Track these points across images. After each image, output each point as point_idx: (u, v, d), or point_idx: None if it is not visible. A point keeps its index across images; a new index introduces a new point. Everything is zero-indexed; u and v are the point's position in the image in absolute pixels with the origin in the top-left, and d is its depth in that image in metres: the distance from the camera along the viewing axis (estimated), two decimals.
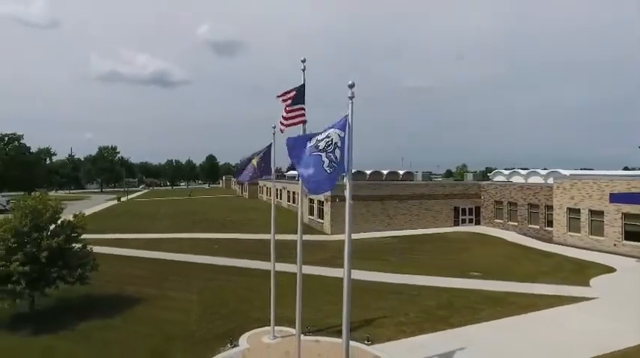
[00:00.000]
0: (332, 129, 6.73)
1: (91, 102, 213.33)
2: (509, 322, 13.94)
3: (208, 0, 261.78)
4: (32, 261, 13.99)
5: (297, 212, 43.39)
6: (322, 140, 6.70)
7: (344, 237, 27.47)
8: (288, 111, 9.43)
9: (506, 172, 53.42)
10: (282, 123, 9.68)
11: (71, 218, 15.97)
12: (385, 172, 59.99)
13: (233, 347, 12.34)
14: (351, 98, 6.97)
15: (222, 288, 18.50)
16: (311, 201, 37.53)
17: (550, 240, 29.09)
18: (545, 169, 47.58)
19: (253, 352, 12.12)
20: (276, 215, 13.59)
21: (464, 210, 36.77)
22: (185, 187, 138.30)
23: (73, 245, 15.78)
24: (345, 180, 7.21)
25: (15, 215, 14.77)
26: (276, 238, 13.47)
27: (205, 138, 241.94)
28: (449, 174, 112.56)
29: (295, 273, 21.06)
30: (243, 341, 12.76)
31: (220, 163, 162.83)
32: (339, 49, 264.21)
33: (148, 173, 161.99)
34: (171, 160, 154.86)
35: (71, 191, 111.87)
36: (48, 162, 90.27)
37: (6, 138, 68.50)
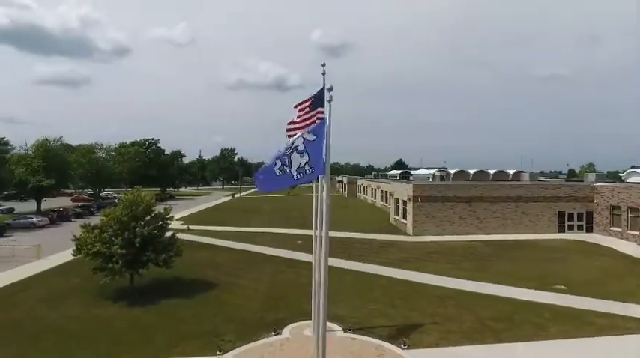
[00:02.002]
0: (300, 134, 7.03)
1: (219, 108, 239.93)
2: (574, 343, 12.31)
3: (321, 6, 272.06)
4: (129, 246, 16.93)
5: (389, 211, 42.47)
6: (287, 146, 7.04)
7: (426, 238, 27.67)
8: (303, 117, 9.87)
9: None
10: (293, 129, 10.11)
11: (162, 210, 18.86)
12: (492, 172, 55.58)
13: (276, 335, 13.36)
14: (329, 101, 7.23)
15: (289, 281, 19.72)
16: (397, 201, 37.00)
17: None
18: None
19: (291, 341, 12.94)
20: (317, 211, 14.10)
21: (571, 215, 32.26)
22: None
23: (166, 233, 18.60)
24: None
25: (119, 207, 18.06)
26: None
27: None
28: (572, 174, 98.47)
29: (361, 272, 21.51)
30: (287, 331, 13.66)
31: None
32: (455, 41, 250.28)
33: None
34: None
35: (199, 188, 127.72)
36: (180, 162, 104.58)
37: (147, 143, 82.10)
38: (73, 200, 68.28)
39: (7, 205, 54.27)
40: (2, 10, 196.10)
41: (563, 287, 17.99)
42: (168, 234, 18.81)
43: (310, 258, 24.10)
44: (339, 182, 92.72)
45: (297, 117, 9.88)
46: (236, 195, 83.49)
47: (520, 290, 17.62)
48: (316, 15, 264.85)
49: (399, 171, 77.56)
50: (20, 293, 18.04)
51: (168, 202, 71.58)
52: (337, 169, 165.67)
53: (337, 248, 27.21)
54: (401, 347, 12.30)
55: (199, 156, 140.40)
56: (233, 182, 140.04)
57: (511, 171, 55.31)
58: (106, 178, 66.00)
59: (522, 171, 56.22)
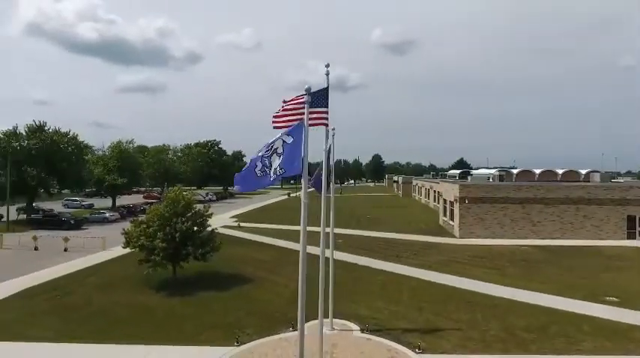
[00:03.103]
0: (280, 136, 7.22)
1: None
2: None
3: (381, 5, 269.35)
4: (170, 240, 18.28)
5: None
6: (267, 148, 7.22)
7: (472, 241, 27.13)
8: (310, 112, 9.17)
9: None
10: (282, 120, 9.19)
11: (201, 207, 20.09)
12: (560, 172, 51.47)
13: (293, 331, 13.68)
14: (309, 104, 7.37)
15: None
16: (445, 201, 35.70)
17: None
18: None
19: (306, 337, 13.13)
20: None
21: None
22: (353, 185, 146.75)
23: (206, 229, 19.77)
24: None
25: (163, 204, 19.53)
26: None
27: (373, 138, 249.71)
28: None
29: (393, 273, 21.24)
30: (305, 327, 13.87)
31: (386, 162, 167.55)
32: (527, 31, 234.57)
33: None
34: (340, 160, 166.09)
35: None
36: (240, 162, 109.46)
37: (209, 144, 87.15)
38: (145, 197, 74.43)
39: (88, 201, 60.71)
40: (92, 25, 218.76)
41: (614, 299, 16.34)
42: (209, 229, 20.00)
43: (344, 257, 24.43)
44: (394, 182, 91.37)
45: (283, 110, 9.28)
46: (292, 194, 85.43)
47: (565, 300, 16.31)
48: (377, 13, 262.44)
49: (459, 171, 74.38)
50: (81, 280, 20.19)
51: (228, 200, 75.65)
52: (396, 169, 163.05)
53: (376, 248, 27.09)
54: (415, 352, 12.04)
55: None
56: (292, 181, 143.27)
57: (583, 171, 50.75)
58: (172, 177, 71.10)
59: (595, 171, 51.31)
